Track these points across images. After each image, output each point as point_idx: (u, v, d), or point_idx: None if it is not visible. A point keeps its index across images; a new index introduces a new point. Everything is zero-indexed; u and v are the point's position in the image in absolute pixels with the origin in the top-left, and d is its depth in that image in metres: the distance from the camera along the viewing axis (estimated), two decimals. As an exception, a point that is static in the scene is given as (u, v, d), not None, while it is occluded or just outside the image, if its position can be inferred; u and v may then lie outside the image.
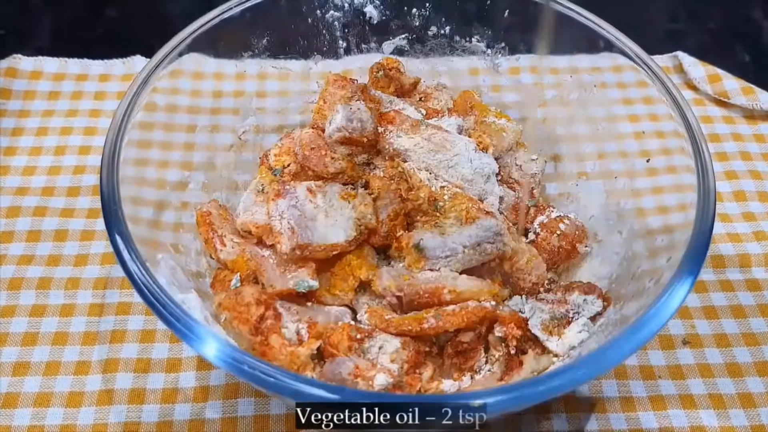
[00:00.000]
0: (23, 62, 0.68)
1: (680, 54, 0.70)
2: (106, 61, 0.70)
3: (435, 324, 0.42)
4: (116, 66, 0.69)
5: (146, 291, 0.34)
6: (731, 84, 0.68)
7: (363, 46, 0.60)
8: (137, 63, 0.69)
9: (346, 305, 0.46)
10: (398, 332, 0.43)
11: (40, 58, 0.69)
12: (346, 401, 0.31)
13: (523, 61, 0.60)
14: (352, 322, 0.44)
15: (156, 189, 0.49)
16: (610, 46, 0.52)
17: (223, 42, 0.54)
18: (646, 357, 0.51)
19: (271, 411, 0.47)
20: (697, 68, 0.69)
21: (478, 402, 0.33)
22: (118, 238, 0.37)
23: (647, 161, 0.51)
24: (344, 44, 0.59)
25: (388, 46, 0.60)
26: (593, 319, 0.45)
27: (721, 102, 0.68)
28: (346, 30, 0.58)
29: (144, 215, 0.45)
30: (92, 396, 0.47)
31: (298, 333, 0.41)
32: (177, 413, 0.47)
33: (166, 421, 0.46)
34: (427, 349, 0.44)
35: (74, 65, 0.69)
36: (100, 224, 0.57)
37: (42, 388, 0.48)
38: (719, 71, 0.69)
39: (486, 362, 0.44)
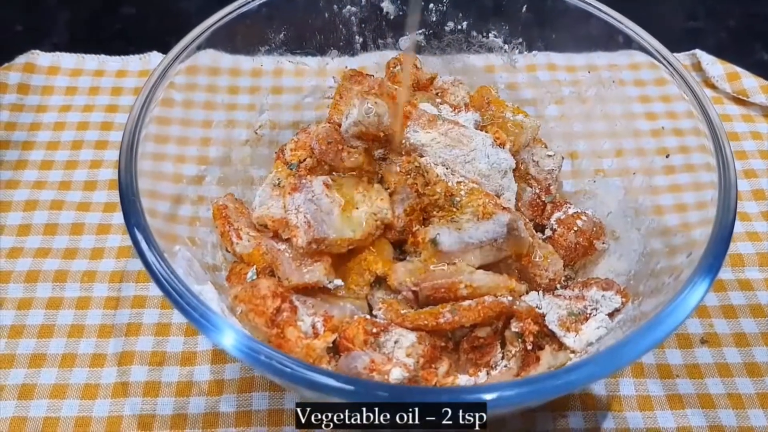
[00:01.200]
0: (41, 58, 0.69)
1: (698, 52, 0.70)
2: (122, 57, 0.70)
3: (451, 319, 0.42)
4: (133, 62, 0.70)
5: (164, 281, 0.34)
6: (750, 82, 0.67)
7: (380, 41, 0.59)
8: (153, 59, 0.70)
9: (362, 300, 0.45)
10: (414, 327, 0.42)
11: (58, 53, 0.70)
12: (360, 392, 0.31)
13: (540, 58, 0.60)
14: (368, 317, 0.44)
15: (173, 183, 0.49)
16: (629, 42, 0.51)
17: (240, 37, 0.54)
18: (664, 355, 0.50)
19: (285, 405, 0.47)
20: (715, 66, 0.68)
21: (490, 395, 0.32)
22: (135, 229, 0.37)
23: (666, 157, 0.50)
24: (360, 40, 0.59)
25: (405, 42, 0.59)
26: (611, 315, 0.45)
27: (739, 100, 0.67)
28: (363, 25, 0.58)
29: (160, 209, 0.45)
30: (107, 388, 0.48)
31: (313, 326, 0.41)
32: (191, 406, 0.47)
33: (181, 414, 0.46)
34: (443, 344, 0.43)
35: (91, 61, 0.70)
36: (116, 218, 0.57)
37: (58, 380, 0.48)
38: (738, 69, 0.68)
39: (502, 358, 0.44)
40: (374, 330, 0.41)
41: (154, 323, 0.51)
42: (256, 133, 0.57)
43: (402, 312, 0.43)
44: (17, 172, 0.60)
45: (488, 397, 0.32)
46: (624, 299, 0.45)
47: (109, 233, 0.56)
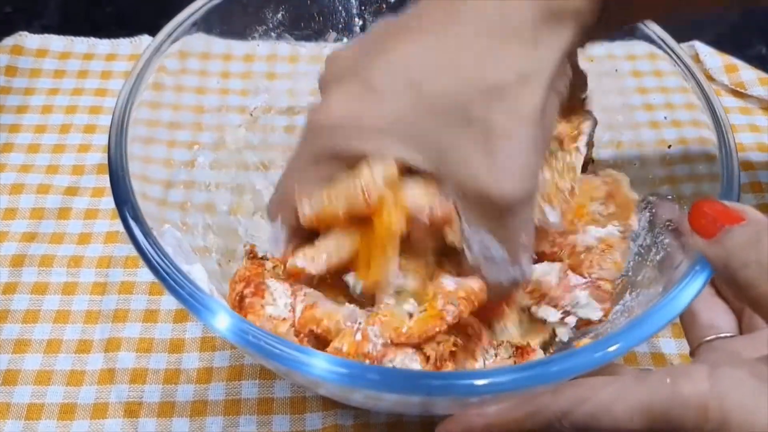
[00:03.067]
0: (29, 40, 0.67)
1: (696, 44, 0.69)
2: (112, 40, 0.69)
3: (456, 311, 0.37)
4: (123, 45, 0.69)
5: (151, 258, 0.33)
6: (748, 74, 0.67)
7: None
8: (144, 43, 0.68)
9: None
10: (421, 341, 0.37)
11: (46, 36, 0.68)
12: (353, 376, 0.30)
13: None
14: (360, 323, 0.38)
15: (164, 167, 0.48)
16: (632, 32, 0.50)
17: (234, 18, 0.52)
18: (658, 344, 0.50)
19: (276, 394, 0.46)
20: (713, 58, 0.68)
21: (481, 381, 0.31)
22: (124, 208, 0.36)
23: (668, 147, 0.50)
24: (360, 22, 0.57)
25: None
26: (579, 326, 0.43)
27: (737, 93, 0.67)
28: (363, 8, 0.57)
29: (151, 193, 0.44)
30: (93, 375, 0.47)
31: (293, 309, 0.40)
32: (179, 394, 0.46)
33: (168, 402, 0.46)
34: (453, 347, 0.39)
35: (81, 44, 0.68)
36: (104, 203, 0.56)
37: (43, 366, 0.47)
38: (736, 61, 0.68)
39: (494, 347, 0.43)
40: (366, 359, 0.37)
41: (142, 309, 0.50)
42: (251, 114, 0.55)
43: (402, 330, 0.37)
44: (3, 155, 0.59)
45: (480, 382, 0.31)
46: (604, 317, 0.43)
47: (96, 218, 0.55)
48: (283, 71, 0.59)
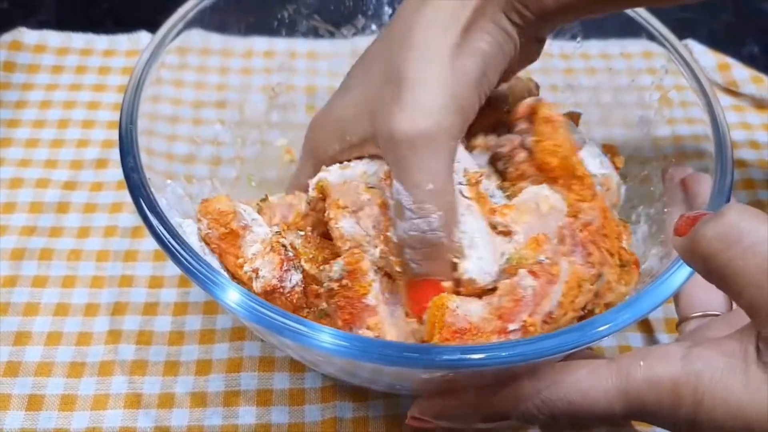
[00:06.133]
0: (27, 35, 0.68)
1: (690, 42, 0.70)
2: (110, 36, 0.69)
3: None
4: (121, 42, 0.69)
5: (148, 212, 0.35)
6: (740, 73, 0.68)
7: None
8: (142, 39, 0.69)
9: None
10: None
11: (45, 31, 0.68)
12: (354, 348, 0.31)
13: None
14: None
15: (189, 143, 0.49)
16: (629, 26, 0.51)
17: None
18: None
19: (275, 386, 0.47)
20: (707, 57, 0.69)
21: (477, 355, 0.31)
22: (131, 173, 0.38)
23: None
24: (390, 11, 0.56)
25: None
26: None
27: (730, 91, 0.67)
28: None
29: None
30: (94, 367, 0.47)
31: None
32: (179, 386, 0.46)
33: (168, 393, 0.46)
34: None
35: (78, 40, 0.69)
36: (102, 197, 0.56)
37: (43, 358, 0.47)
38: (729, 60, 0.68)
39: None
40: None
41: (141, 302, 0.50)
42: (274, 89, 0.56)
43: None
44: (2, 150, 0.59)
45: (476, 356, 0.31)
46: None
47: (95, 212, 0.55)
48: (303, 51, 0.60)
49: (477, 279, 0.36)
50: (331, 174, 0.41)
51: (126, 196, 0.55)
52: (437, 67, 0.35)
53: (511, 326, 0.34)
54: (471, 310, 0.34)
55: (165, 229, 0.35)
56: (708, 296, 0.38)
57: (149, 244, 0.53)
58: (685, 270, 0.35)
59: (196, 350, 0.48)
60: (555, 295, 0.35)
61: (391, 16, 0.55)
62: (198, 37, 0.48)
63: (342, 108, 0.42)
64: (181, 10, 0.47)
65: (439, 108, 0.35)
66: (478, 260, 0.36)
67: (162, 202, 0.37)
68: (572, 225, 0.38)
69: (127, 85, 0.42)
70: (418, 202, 0.34)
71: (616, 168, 0.45)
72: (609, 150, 0.45)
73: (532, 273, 0.35)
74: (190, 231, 0.39)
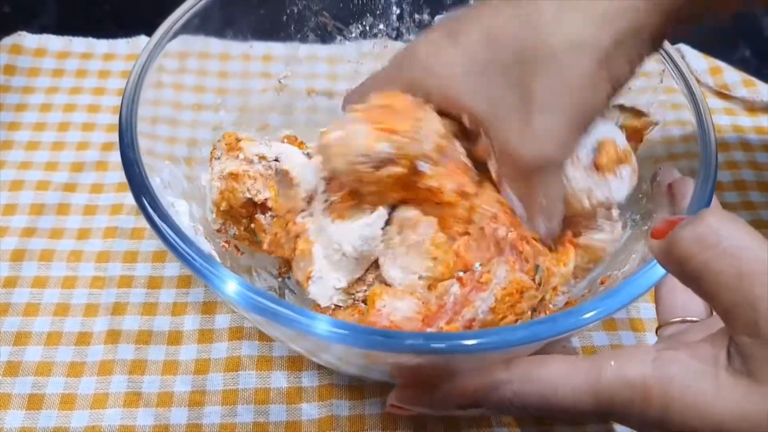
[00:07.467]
0: (28, 39, 0.68)
1: (682, 46, 0.71)
2: (110, 40, 0.70)
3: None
4: (120, 45, 0.70)
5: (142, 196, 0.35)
6: (732, 77, 0.69)
7: (416, 16, 0.58)
8: (141, 43, 0.69)
9: None
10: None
11: (45, 35, 0.69)
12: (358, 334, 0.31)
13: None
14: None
15: (190, 129, 0.49)
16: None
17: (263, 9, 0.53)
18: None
19: (272, 384, 0.47)
20: (699, 60, 0.70)
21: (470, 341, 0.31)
22: (130, 159, 0.38)
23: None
24: (398, 11, 0.57)
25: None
26: None
27: (722, 94, 0.68)
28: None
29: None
30: (93, 366, 0.48)
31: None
32: (177, 385, 0.47)
33: (167, 392, 0.47)
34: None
35: (79, 43, 0.69)
36: (103, 199, 0.57)
37: (43, 358, 0.48)
38: (720, 64, 0.69)
39: None
40: None
41: (140, 303, 0.51)
42: (281, 81, 0.56)
43: None
44: (3, 153, 0.59)
45: (469, 342, 0.31)
46: None
47: (95, 213, 0.56)
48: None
49: None
50: None
51: (125, 198, 0.57)
52: (567, 97, 0.36)
53: (429, 330, 0.36)
54: (397, 308, 0.36)
55: (153, 209, 0.35)
56: (688, 302, 0.38)
57: (148, 245, 0.54)
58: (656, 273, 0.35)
59: (195, 350, 0.49)
60: (482, 302, 0.36)
61: (399, 16, 0.57)
62: (196, 40, 0.49)
63: (459, 67, 0.38)
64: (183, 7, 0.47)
65: (567, 134, 0.37)
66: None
67: (156, 181, 0.38)
68: (495, 231, 0.39)
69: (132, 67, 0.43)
70: (529, 213, 0.39)
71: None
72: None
73: (459, 280, 0.37)
74: (182, 211, 0.40)
